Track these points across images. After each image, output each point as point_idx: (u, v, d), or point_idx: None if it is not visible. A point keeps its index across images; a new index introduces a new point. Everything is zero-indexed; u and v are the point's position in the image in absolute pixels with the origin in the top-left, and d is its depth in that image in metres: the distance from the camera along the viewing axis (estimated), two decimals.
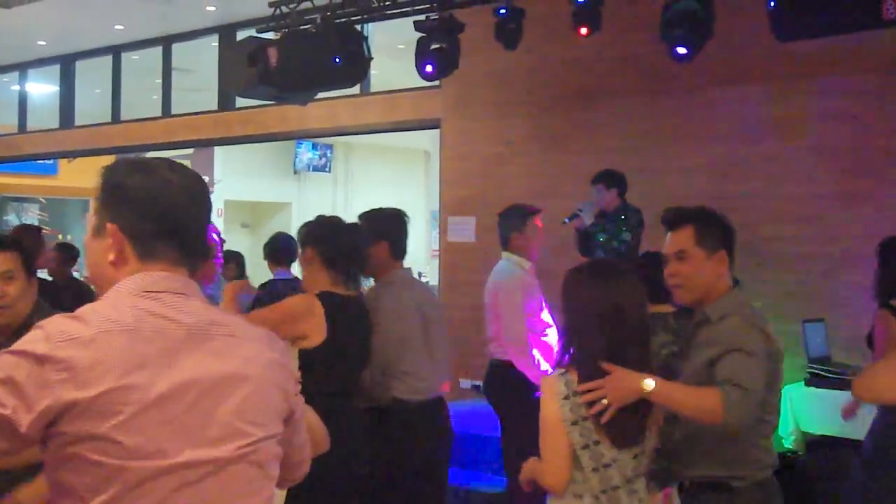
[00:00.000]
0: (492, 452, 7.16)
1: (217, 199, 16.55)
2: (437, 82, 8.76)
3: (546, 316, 6.20)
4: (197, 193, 2.02)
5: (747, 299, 3.50)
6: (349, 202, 18.84)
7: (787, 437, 6.77)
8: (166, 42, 12.91)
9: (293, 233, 5.51)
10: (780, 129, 7.93)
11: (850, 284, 7.40)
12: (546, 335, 6.15)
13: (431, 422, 4.82)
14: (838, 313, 7.17)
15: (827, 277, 7.59)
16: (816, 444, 6.71)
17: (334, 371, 4.20)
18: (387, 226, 4.83)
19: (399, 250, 4.85)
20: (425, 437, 4.79)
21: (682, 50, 6.59)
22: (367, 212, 4.95)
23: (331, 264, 4.31)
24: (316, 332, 4.14)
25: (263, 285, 7.57)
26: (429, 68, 7.55)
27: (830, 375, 6.69)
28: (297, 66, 7.78)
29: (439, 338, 4.93)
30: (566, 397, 3.14)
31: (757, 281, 6.68)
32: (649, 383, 3.13)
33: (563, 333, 3.32)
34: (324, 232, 4.40)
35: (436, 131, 10.27)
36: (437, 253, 10.80)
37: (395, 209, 4.96)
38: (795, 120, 7.87)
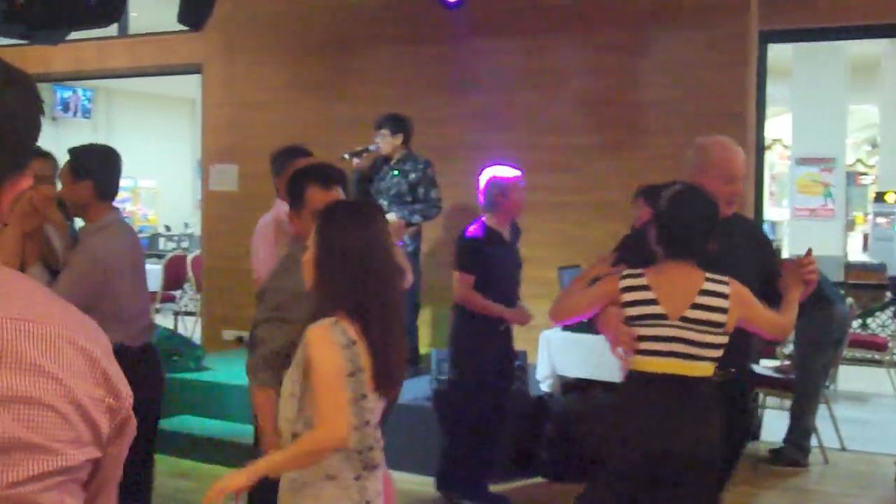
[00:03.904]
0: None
1: None
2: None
3: None
4: None
5: None
6: None
7: (545, 380, 6.96)
8: None
9: None
10: (539, 80, 8.08)
11: (605, 232, 7.65)
12: None
13: (150, 367, 4.54)
14: (593, 260, 7.40)
15: (582, 225, 7.84)
16: (571, 387, 6.94)
17: None
18: (92, 162, 4.37)
19: (106, 191, 4.41)
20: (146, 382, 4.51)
21: None
22: (75, 147, 4.48)
23: None
24: None
25: None
26: None
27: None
28: (46, 2, 7.34)
29: (144, 283, 4.62)
30: (346, 346, 2.93)
31: None
32: None
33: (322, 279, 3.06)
34: None
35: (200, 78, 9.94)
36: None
37: (104, 146, 4.60)
38: (553, 72, 8.05)
